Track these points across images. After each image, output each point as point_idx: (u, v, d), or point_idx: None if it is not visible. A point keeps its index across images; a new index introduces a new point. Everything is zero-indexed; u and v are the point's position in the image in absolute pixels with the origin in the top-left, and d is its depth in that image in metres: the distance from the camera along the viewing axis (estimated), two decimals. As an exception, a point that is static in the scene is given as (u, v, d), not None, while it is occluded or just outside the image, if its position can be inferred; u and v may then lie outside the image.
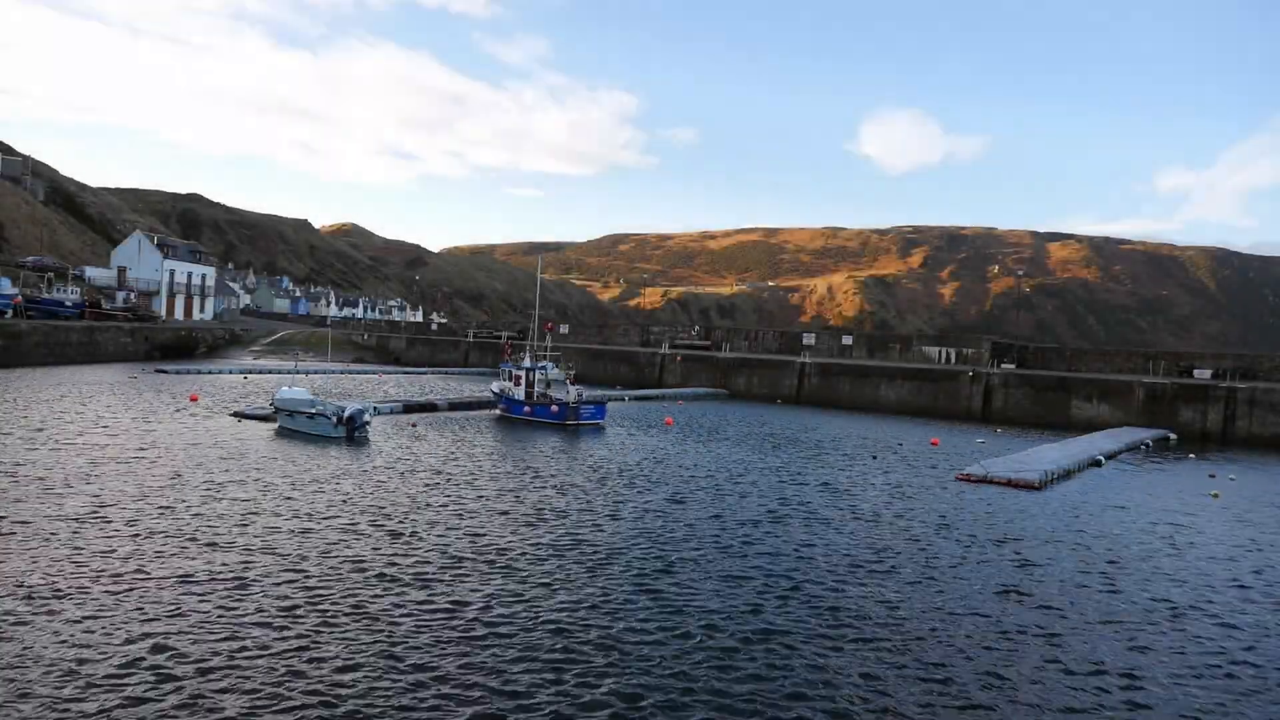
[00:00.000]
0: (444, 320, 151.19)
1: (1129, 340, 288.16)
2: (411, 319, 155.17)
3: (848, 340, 68.89)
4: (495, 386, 40.11)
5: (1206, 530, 20.88)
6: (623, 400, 50.86)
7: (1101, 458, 31.70)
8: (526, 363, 39.14)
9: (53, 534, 14.69)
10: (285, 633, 10.86)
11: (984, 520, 20.51)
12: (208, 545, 14.60)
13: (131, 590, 12.11)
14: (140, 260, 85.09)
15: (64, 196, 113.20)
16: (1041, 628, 12.68)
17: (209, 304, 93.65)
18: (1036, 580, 15.33)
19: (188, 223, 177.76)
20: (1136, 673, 11.10)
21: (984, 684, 10.45)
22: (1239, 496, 26.53)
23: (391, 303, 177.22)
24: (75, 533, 14.86)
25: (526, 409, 37.64)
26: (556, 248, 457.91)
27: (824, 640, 11.64)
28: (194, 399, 38.08)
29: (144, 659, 9.84)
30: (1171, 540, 19.46)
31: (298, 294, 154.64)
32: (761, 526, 18.46)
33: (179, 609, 11.47)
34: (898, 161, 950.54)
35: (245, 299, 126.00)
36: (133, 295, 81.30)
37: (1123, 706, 10.05)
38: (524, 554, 15.19)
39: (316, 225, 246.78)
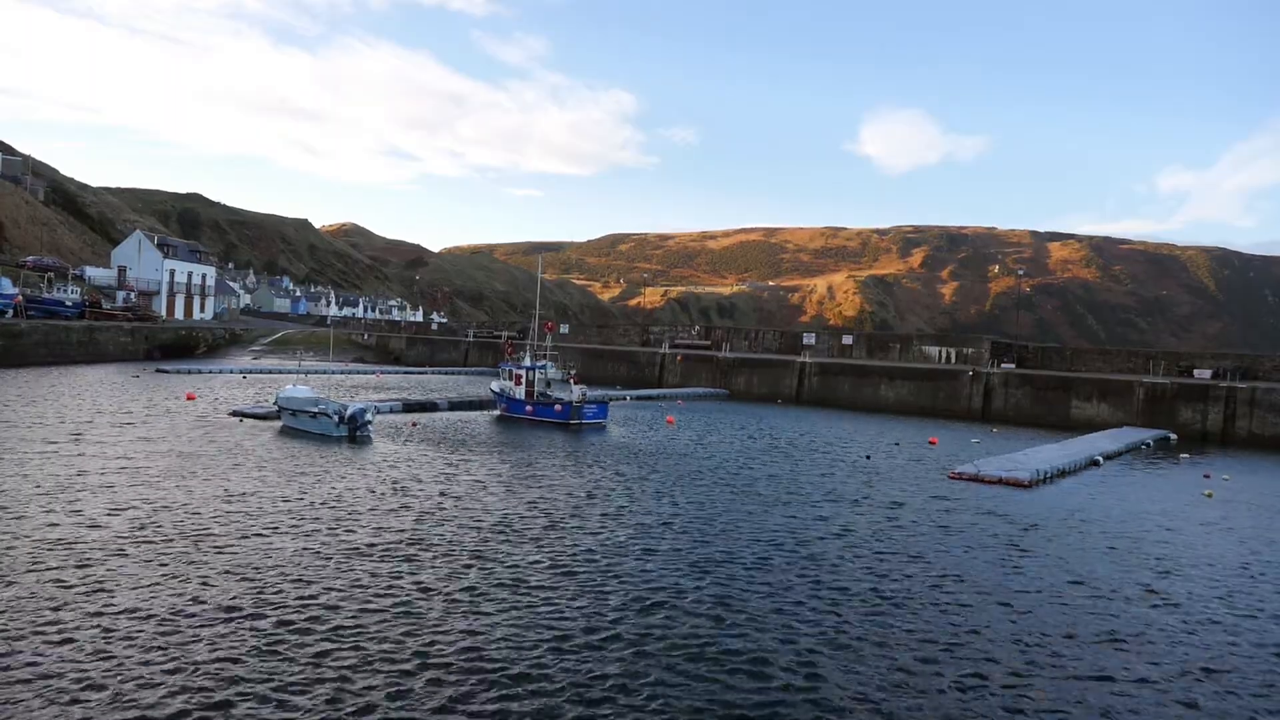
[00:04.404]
0: (444, 320, 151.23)
1: (1129, 340, 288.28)
2: (411, 319, 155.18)
3: (848, 340, 68.90)
4: (495, 386, 40.13)
5: (1192, 528, 20.92)
6: (624, 400, 50.89)
7: (1099, 458, 31.73)
8: (526, 362, 39.18)
9: (53, 535, 14.74)
10: (287, 633, 10.92)
11: (968, 517, 20.57)
12: (209, 546, 14.64)
13: (133, 591, 12.16)
14: (140, 260, 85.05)
15: (64, 196, 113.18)
16: (1007, 621, 12.73)
17: (209, 304, 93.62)
18: (1009, 574, 15.39)
19: (188, 223, 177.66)
20: (1102, 667, 11.16)
21: (950, 676, 10.50)
22: (1233, 496, 26.57)
23: (391, 303, 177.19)
24: (77, 532, 14.90)
25: (529, 408, 37.66)
26: (556, 248, 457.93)
27: (800, 634, 11.70)
28: (190, 398, 38.13)
29: (144, 659, 9.89)
30: (1154, 538, 19.51)
31: (298, 294, 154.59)
32: (758, 525, 18.51)
33: (181, 608, 11.52)
34: (898, 161, 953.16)
35: (245, 299, 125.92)
36: (133, 295, 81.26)
37: (1090, 702, 10.10)
38: (532, 555, 15.24)
39: (316, 225, 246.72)
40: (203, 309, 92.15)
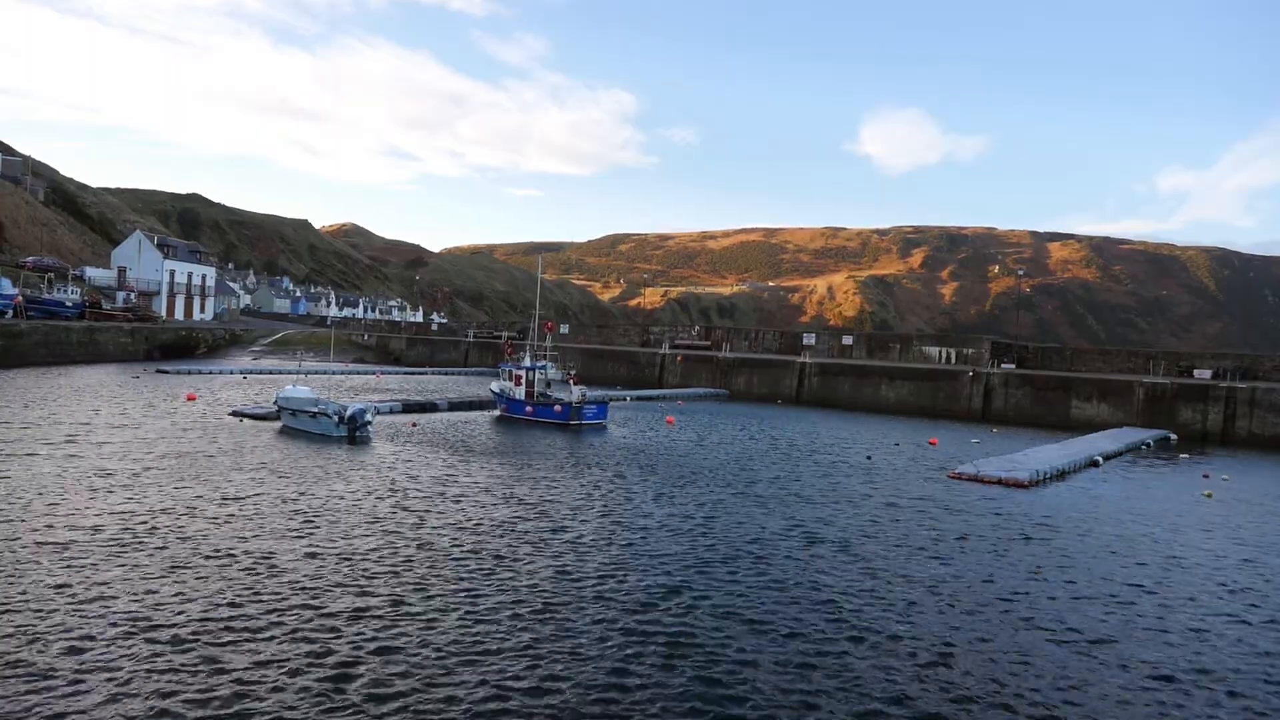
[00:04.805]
0: (444, 320, 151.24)
1: (1129, 340, 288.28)
2: (411, 319, 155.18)
3: (848, 340, 68.90)
4: (495, 386, 40.13)
5: (1192, 529, 20.90)
6: (624, 400, 50.89)
7: (1099, 458, 31.73)
8: (526, 363, 39.17)
9: (51, 536, 14.73)
10: (286, 632, 10.91)
11: (967, 517, 20.57)
12: (208, 548, 14.63)
13: (129, 590, 12.15)
14: (140, 260, 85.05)
15: (64, 196, 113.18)
16: (1006, 621, 12.73)
17: (209, 304, 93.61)
18: (1008, 574, 15.38)
19: (188, 223, 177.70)
20: (1102, 667, 11.15)
21: (950, 677, 10.49)
22: (1233, 496, 26.56)
23: (391, 303, 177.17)
24: (76, 534, 14.90)
25: (529, 409, 37.65)
26: (556, 248, 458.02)
27: (801, 635, 11.70)
28: (191, 398, 38.13)
29: (141, 664, 9.88)
30: (1153, 538, 19.50)
31: (298, 294, 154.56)
32: (759, 526, 18.51)
33: (178, 609, 11.51)
34: (898, 161, 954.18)
35: (245, 299, 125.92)
36: (133, 295, 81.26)
37: (1090, 703, 10.09)
38: (532, 557, 15.23)
39: (316, 225, 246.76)
40: (203, 309, 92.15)
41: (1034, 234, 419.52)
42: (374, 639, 10.81)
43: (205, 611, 11.41)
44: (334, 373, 60.85)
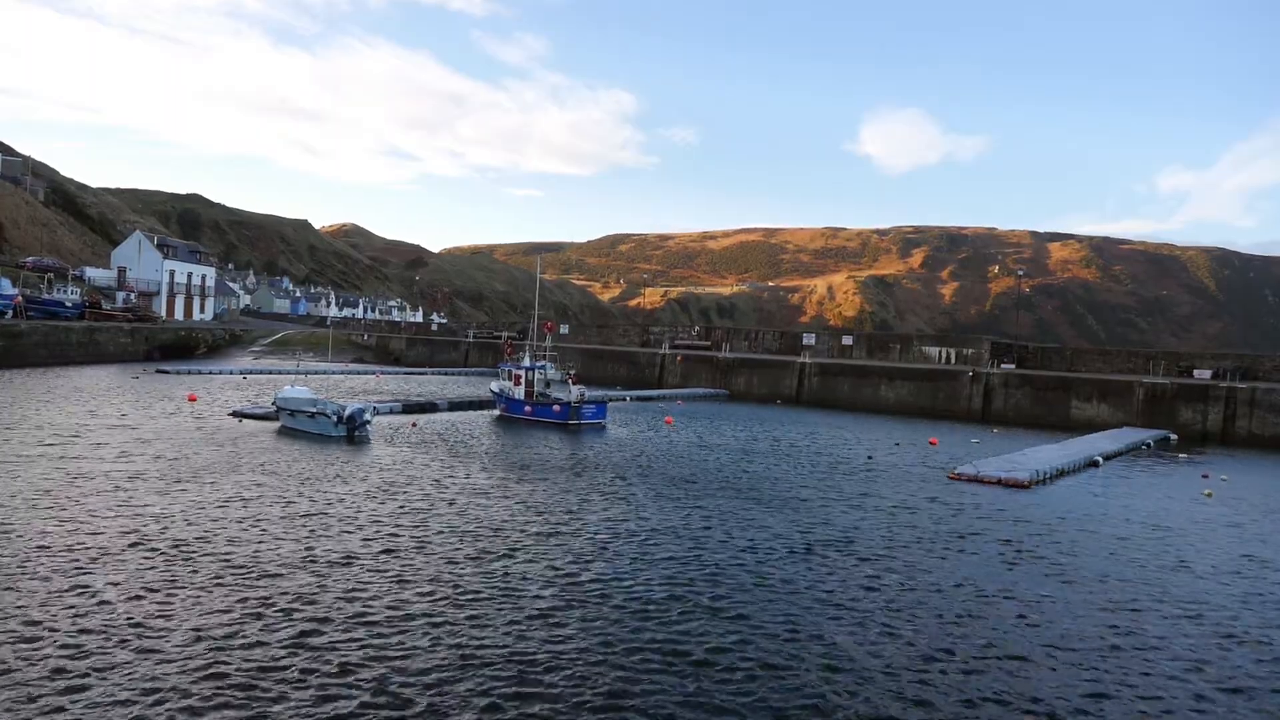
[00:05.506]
0: (444, 321, 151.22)
1: (1129, 340, 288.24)
2: (411, 319, 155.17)
3: (848, 340, 68.88)
4: (495, 386, 40.14)
5: (1192, 529, 20.87)
6: (623, 401, 50.86)
7: (1099, 458, 31.70)
8: (526, 362, 39.18)
9: (49, 539, 14.71)
10: (283, 636, 10.89)
11: (967, 517, 20.56)
12: (206, 549, 14.61)
13: (126, 592, 12.13)
14: (140, 260, 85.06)
15: (64, 196, 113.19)
16: (1005, 622, 12.71)
17: (209, 304, 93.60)
18: (1008, 575, 15.36)
19: (188, 223, 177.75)
20: (1101, 667, 11.13)
21: (949, 677, 10.48)
22: (1232, 496, 26.54)
23: (391, 303, 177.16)
24: (74, 536, 14.88)
25: (528, 408, 37.66)
26: (556, 248, 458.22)
27: (800, 636, 11.68)
28: (192, 399, 38.11)
29: (139, 667, 9.86)
30: (1153, 538, 19.47)
31: (298, 294, 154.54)
32: (759, 527, 18.49)
33: (175, 611, 11.49)
34: (898, 161, 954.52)
35: (245, 299, 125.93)
36: (133, 295, 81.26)
37: (1090, 704, 10.08)
38: (529, 559, 15.21)
39: (316, 225, 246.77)
40: (203, 310, 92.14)
41: (1034, 234, 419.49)
42: (371, 641, 10.78)
43: (202, 614, 11.39)
44: (333, 373, 60.83)
